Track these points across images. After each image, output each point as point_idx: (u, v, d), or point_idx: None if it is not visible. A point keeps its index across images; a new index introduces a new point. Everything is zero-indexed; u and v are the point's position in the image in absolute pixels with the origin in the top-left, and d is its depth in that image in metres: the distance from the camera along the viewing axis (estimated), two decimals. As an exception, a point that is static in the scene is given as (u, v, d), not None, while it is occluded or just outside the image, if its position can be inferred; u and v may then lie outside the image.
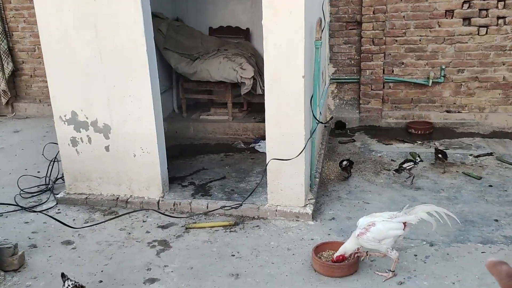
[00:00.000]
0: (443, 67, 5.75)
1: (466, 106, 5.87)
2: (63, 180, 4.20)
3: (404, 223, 2.84)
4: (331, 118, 6.02)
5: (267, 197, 3.78)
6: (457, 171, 4.53)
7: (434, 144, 4.97)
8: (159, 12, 5.64)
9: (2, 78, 6.61)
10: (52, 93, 3.92)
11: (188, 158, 4.99)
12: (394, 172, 4.42)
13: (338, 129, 5.92)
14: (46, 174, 4.50)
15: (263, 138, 3.81)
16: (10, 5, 6.57)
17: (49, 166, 4.56)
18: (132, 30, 3.56)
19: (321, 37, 3.68)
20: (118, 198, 4.02)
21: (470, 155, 4.90)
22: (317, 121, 3.83)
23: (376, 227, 2.82)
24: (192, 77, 5.67)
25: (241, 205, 3.77)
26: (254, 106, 5.89)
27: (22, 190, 4.28)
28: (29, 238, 3.51)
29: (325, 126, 5.57)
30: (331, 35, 5.89)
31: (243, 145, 5.37)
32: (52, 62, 3.81)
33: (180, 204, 3.90)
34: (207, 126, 5.73)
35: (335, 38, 5.94)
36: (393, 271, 2.92)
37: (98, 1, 3.57)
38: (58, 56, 3.78)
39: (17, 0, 6.53)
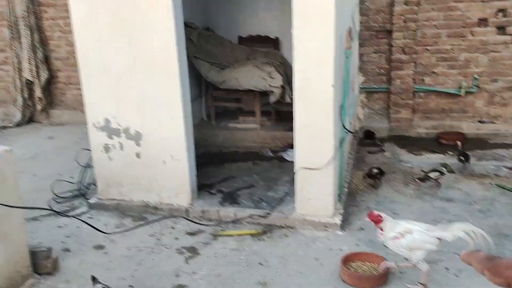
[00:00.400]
0: (477, 76, 5.63)
1: (500, 116, 5.73)
2: (95, 185, 4.29)
3: (439, 239, 2.78)
4: (360, 128, 5.97)
5: (295, 206, 3.77)
6: (490, 183, 4.42)
7: (457, 144, 4.85)
8: (190, 22, 5.73)
9: (38, 86, 6.83)
10: (86, 101, 4.03)
11: (216, 166, 5.03)
12: (417, 180, 4.35)
13: (367, 139, 5.86)
14: (79, 180, 4.61)
15: (291, 146, 3.82)
16: (46, 15, 6.80)
17: (82, 171, 4.67)
18: (165, 39, 3.63)
19: (351, 47, 3.67)
20: (148, 204, 4.08)
21: (504, 166, 4.77)
22: (346, 131, 3.81)
23: (413, 236, 2.77)
24: (221, 85, 5.73)
25: (269, 214, 3.77)
26: (283, 115, 5.89)
27: (56, 194, 4.40)
28: (62, 242, 3.60)
29: (354, 136, 5.53)
30: (361, 44, 5.86)
31: (271, 154, 5.38)
32: (87, 70, 3.92)
33: (208, 212, 3.93)
34: (235, 134, 5.77)
35: (365, 47, 5.90)
36: (424, 284, 2.87)
37: (133, 11, 3.67)
38: (92, 65, 3.89)
39: (54, 11, 6.76)
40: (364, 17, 5.80)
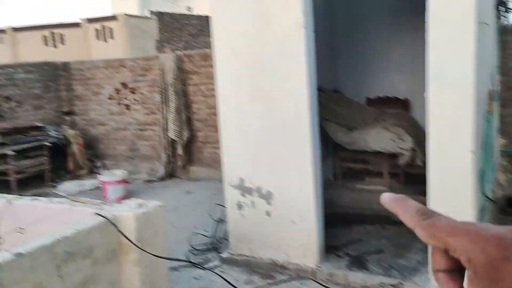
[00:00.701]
0: None
1: None
2: (227, 240, 4.53)
3: None
4: (502, 195, 5.47)
5: (430, 277, 3.55)
6: None
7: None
8: (320, 85, 5.96)
9: (180, 144, 7.57)
10: (224, 160, 4.37)
11: (343, 227, 4.98)
12: None
13: (510, 207, 5.33)
14: (213, 234, 4.91)
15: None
16: (191, 81, 7.62)
17: (215, 226, 4.98)
18: (299, 104, 3.84)
19: (491, 110, 3.50)
20: (275, 262, 4.17)
21: None
22: (487, 199, 3.55)
23: None
24: (349, 146, 5.76)
25: (402, 284, 3.60)
26: (412, 177, 5.68)
27: (192, 247, 4.73)
28: (197, 293, 3.83)
29: (495, 204, 5.08)
30: (501, 105, 5.50)
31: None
32: (226, 132, 4.29)
33: (335, 275, 3.88)
34: (362, 195, 5.69)
35: (506, 108, 5.52)
36: None
37: (270, 80, 3.97)
38: (232, 127, 4.24)
39: (197, 77, 7.55)
40: (505, 77, 5.47)
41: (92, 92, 8.85)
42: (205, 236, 4.99)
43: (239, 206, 4.31)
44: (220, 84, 4.23)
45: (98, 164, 8.84)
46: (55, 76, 8.91)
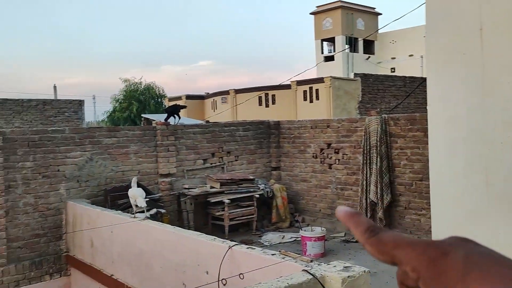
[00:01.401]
0: None
1: None
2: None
3: None
4: None
5: None
6: None
7: None
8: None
9: (380, 207, 7.44)
10: (433, 230, 4.13)
11: None
12: None
13: None
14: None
15: None
16: (396, 145, 7.52)
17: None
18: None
19: None
20: None
21: None
22: None
23: None
24: None
25: None
26: None
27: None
28: None
29: None
30: None
31: None
32: (438, 202, 4.07)
33: None
34: None
35: None
36: None
37: (491, 147, 3.67)
38: (444, 198, 4.01)
39: (403, 141, 7.42)
40: None
41: (298, 150, 9.47)
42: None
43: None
44: (433, 152, 4.08)
45: (299, 218, 9.28)
46: (268, 134, 9.86)
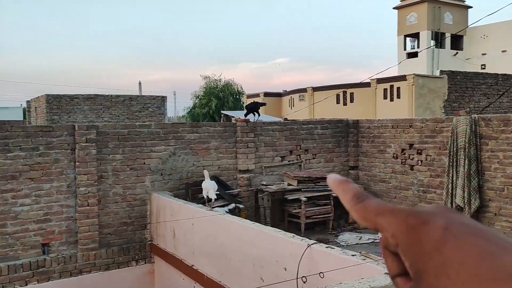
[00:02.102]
0: None
1: None
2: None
3: None
4: None
5: None
6: None
7: None
8: None
9: (467, 213, 7.02)
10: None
11: None
12: None
13: None
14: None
15: None
16: (486, 147, 7.06)
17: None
18: None
19: None
20: None
21: None
22: None
23: None
24: None
25: None
26: None
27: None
28: None
29: None
30: None
31: None
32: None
33: None
34: None
35: None
36: None
37: None
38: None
39: (494, 143, 6.94)
40: None
41: (377, 150, 9.21)
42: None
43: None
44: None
45: (377, 220, 9.02)
46: (346, 133, 9.69)
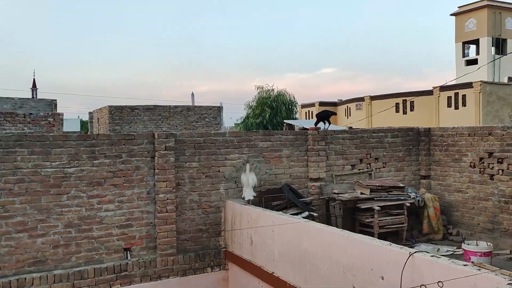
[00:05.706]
0: None
1: None
2: None
3: None
4: None
5: None
6: None
7: None
8: None
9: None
10: None
11: None
12: None
13: None
14: None
15: None
16: None
17: None
18: None
19: None
20: None
21: None
22: None
23: None
24: None
25: None
26: None
27: None
28: None
29: None
30: None
31: None
32: None
33: None
34: None
35: None
36: None
37: None
38: None
39: None
40: None
41: (452, 159, 8.91)
42: None
43: None
44: None
45: (453, 231, 8.70)
46: (417, 141, 9.45)
